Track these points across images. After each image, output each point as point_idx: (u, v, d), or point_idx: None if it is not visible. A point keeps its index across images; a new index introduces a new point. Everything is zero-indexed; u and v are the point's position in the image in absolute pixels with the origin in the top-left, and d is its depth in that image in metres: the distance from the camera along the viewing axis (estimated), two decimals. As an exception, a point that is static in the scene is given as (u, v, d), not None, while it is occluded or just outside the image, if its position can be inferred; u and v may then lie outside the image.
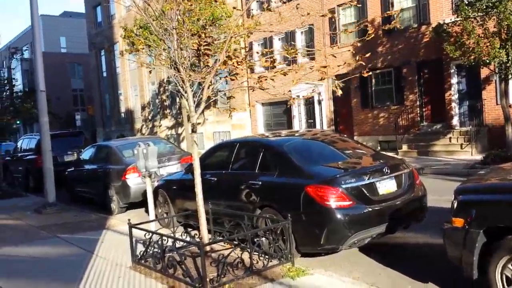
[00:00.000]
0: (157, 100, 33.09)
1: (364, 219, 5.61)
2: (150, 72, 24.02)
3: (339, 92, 5.78)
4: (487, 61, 13.30)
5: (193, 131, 5.78)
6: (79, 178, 12.40)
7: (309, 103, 22.45)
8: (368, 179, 5.76)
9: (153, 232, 6.01)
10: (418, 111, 18.81)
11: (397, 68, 19.12)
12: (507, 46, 12.76)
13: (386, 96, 19.67)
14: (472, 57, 13.65)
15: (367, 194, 5.70)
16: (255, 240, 6.22)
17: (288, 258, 5.58)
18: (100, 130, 39.14)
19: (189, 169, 8.01)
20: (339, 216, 5.49)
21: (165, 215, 8.84)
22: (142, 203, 10.66)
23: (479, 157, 14.91)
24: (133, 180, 10.30)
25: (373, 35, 5.88)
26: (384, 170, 5.94)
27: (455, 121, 17.69)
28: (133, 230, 6.64)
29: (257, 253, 5.73)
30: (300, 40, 22.72)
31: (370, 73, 6.28)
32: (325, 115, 21.68)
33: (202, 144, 28.70)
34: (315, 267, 5.67)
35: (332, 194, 5.55)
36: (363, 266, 5.78)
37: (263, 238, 6.27)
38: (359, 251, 6.30)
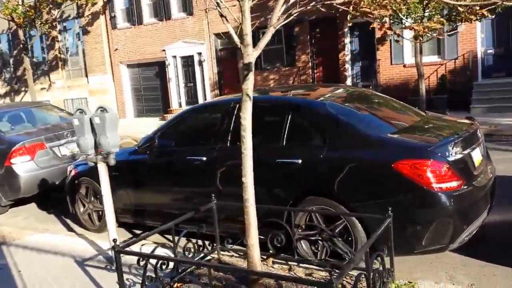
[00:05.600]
0: (-18, 63, 26.73)
1: (476, 202, 4.06)
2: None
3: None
4: (404, 17, 12.79)
5: (247, 76, 3.42)
6: None
7: (188, 64, 20.05)
8: (467, 148, 4.19)
9: (175, 260, 3.56)
10: (310, 73, 18.01)
11: (288, 26, 17.87)
12: (425, 1, 12.34)
13: (276, 56, 18.36)
14: (386, 13, 13.02)
15: (470, 169, 4.15)
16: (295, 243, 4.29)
17: (390, 273, 3.73)
18: None
19: (149, 146, 5.44)
20: (451, 202, 3.82)
21: (94, 215, 6.11)
22: (31, 198, 7.56)
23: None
24: (22, 166, 7.10)
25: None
26: (478, 135, 4.44)
27: (348, 82, 17.31)
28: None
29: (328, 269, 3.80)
30: (174, -8, 19.92)
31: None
32: (208, 78, 19.58)
33: (50, 115, 24.10)
34: (411, 277, 3.99)
35: (439, 172, 3.83)
36: (465, 268, 4.23)
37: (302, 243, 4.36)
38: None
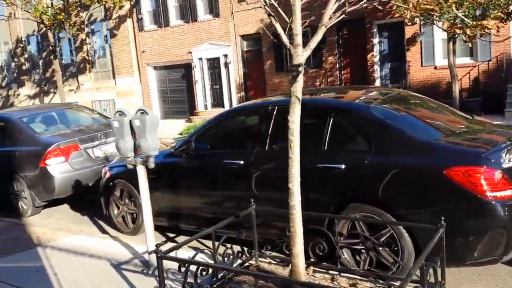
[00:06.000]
0: (12, 64, 27.30)
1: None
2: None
3: None
4: (437, 18, 12.48)
5: (296, 77, 3.30)
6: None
7: (214, 66, 20.05)
8: (519, 154, 3.99)
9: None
10: (338, 74, 17.79)
11: (315, 28, 17.61)
12: (458, 1, 11.99)
13: (303, 58, 18.19)
14: (419, 13, 12.73)
15: (521, 176, 3.95)
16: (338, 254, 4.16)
17: (441, 286, 3.56)
18: None
19: (185, 148, 5.37)
20: (506, 212, 3.63)
21: (128, 218, 6.08)
22: (63, 199, 7.58)
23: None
24: (57, 168, 7.13)
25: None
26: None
27: (377, 83, 17.03)
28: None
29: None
30: (201, -6, 19.92)
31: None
32: (234, 80, 19.54)
33: (78, 116, 24.36)
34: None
35: (493, 179, 3.65)
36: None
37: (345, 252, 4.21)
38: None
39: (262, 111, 4.98)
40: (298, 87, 3.29)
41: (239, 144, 5.13)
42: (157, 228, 5.99)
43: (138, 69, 22.33)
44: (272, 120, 4.82)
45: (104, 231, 6.39)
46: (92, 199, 7.65)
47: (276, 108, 4.88)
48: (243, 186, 4.89)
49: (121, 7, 21.44)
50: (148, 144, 4.33)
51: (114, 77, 23.29)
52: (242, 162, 4.89)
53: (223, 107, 19.67)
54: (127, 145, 4.45)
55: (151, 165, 4.45)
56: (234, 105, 19.49)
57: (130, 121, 4.42)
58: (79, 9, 21.76)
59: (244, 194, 4.80)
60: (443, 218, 3.48)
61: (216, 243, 4.10)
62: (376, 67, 16.92)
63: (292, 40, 3.26)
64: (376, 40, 16.79)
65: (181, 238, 5.83)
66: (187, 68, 20.80)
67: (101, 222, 6.78)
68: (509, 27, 13.93)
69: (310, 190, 4.36)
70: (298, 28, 3.21)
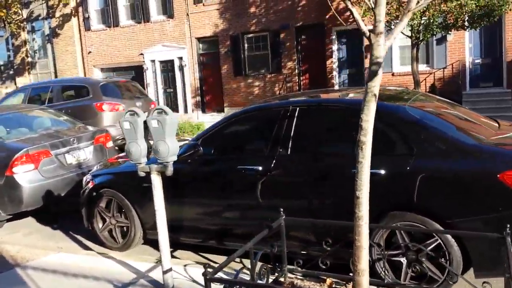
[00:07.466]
0: None
1: None
2: None
3: None
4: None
5: (376, 71, 2.91)
6: None
7: (167, 69, 19.32)
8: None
9: None
10: (297, 80, 17.70)
11: (273, 32, 17.53)
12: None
13: (262, 62, 17.98)
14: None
15: None
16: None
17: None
18: None
19: (191, 154, 4.83)
20: (562, 217, 3.50)
21: (117, 232, 5.44)
22: (28, 211, 6.74)
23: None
24: (25, 176, 6.29)
25: None
26: None
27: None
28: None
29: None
30: (154, -6, 19.15)
31: None
32: (189, 83, 18.92)
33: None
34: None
35: (546, 184, 3.50)
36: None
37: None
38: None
39: (282, 111, 4.57)
40: (376, 82, 2.93)
41: (256, 148, 4.70)
42: (147, 242, 5.46)
43: (84, 71, 21.09)
44: (294, 121, 4.45)
45: (86, 247, 5.70)
46: (61, 211, 6.94)
47: (298, 108, 4.52)
48: (261, 194, 4.46)
49: (65, 5, 20.20)
50: (168, 148, 3.81)
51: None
52: (260, 168, 4.47)
53: (178, 111, 19.00)
54: (140, 149, 3.90)
55: (169, 172, 3.93)
56: (189, 110, 18.90)
57: (145, 122, 3.88)
58: (20, 6, 20.22)
59: (263, 202, 4.42)
60: (508, 225, 3.26)
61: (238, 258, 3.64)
62: (335, 73, 17.01)
63: (374, 28, 2.89)
64: (335, 47, 16.88)
65: (178, 253, 5.30)
66: (138, 70, 19.90)
67: (79, 237, 6.06)
68: (464, 36, 14.49)
69: (344, 198, 4.03)
70: (382, 14, 2.84)
